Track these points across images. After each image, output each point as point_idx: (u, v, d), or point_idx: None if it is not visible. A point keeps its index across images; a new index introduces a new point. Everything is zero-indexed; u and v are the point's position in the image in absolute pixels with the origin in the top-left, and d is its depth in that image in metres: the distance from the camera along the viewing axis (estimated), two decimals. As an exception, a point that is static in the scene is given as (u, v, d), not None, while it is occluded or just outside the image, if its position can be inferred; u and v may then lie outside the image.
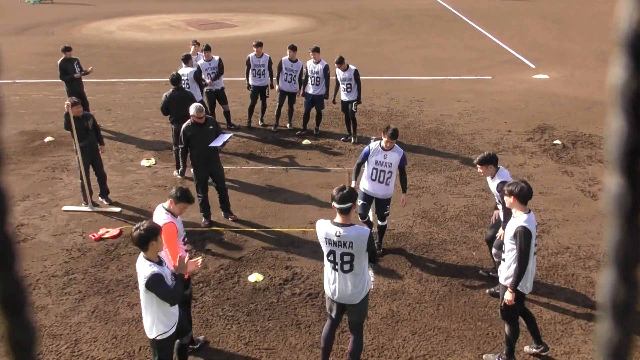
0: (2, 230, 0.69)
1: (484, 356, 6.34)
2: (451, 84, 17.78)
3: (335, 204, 5.44)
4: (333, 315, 5.89)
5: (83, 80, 13.56)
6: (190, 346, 6.22)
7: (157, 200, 10.13)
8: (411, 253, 8.45)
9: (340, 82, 12.55)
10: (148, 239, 5.03)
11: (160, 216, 6.02)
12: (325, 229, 5.48)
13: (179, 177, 10.85)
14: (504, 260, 6.01)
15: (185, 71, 12.25)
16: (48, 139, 13.13)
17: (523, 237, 5.70)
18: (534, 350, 6.33)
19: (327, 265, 5.64)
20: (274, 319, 6.99)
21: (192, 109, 9.08)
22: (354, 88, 12.48)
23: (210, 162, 9.12)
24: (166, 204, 6.15)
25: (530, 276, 5.94)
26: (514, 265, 5.80)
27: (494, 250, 7.35)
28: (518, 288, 5.86)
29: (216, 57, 13.34)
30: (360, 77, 12.55)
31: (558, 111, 14.91)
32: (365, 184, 8.15)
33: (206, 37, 25.09)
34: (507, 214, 6.22)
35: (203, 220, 9.28)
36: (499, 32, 26.44)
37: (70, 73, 13.17)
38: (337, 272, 5.56)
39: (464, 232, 9.00)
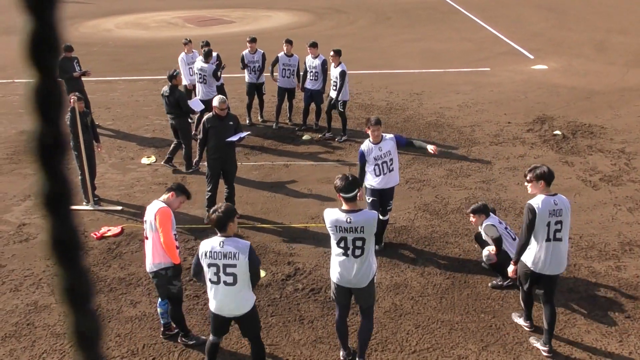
0: (68, 221, 0.68)
1: (512, 314, 6.81)
2: (450, 76, 17.75)
3: (341, 194, 5.62)
4: (342, 303, 5.99)
5: (83, 78, 13.54)
6: (166, 332, 6.55)
7: (158, 197, 10.13)
8: (413, 246, 8.45)
9: (330, 77, 12.43)
10: (227, 220, 5.34)
11: (156, 204, 6.15)
12: (335, 217, 5.60)
13: (166, 165, 11.29)
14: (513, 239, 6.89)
15: (204, 66, 12.44)
16: (48, 138, 13.10)
17: (526, 213, 6.03)
18: (522, 322, 6.66)
19: (337, 253, 5.72)
20: (277, 315, 7.00)
21: (215, 101, 9.09)
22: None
23: (225, 157, 9.11)
24: (163, 197, 6.22)
25: (542, 257, 6.04)
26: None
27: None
28: (528, 264, 6.12)
29: (215, 54, 13.32)
30: (359, 71, 12.52)
31: (557, 101, 14.89)
32: (371, 181, 8.10)
33: (204, 33, 25.04)
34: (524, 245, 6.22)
35: (207, 216, 9.27)
36: (497, 23, 26.38)
37: (69, 72, 13.15)
38: (347, 258, 5.67)
39: (466, 224, 9.00)
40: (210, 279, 5.42)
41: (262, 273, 7.77)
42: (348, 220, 5.54)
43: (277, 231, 8.99)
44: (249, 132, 10.46)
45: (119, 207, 9.88)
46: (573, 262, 7.92)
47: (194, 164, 10.30)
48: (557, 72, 17.90)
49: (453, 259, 8.10)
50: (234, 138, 9.03)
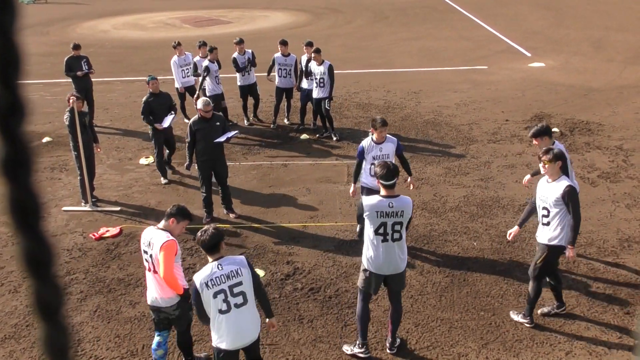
0: (27, 187, 0.67)
1: (510, 312, 6.81)
2: (447, 74, 17.76)
3: (381, 181, 5.83)
4: (373, 292, 6.16)
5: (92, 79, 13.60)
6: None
7: (156, 198, 10.15)
8: (412, 245, 8.44)
9: (313, 76, 12.35)
10: (218, 241, 5.08)
11: (160, 236, 5.59)
12: (377, 203, 5.81)
13: (163, 182, 10.73)
14: (545, 224, 6.42)
15: (211, 65, 12.63)
16: (46, 139, 13.10)
17: (574, 194, 6.18)
18: (555, 310, 6.78)
19: (375, 240, 5.87)
20: (276, 315, 6.96)
21: (199, 103, 9.07)
22: (327, 84, 12.26)
23: (214, 158, 9.10)
24: (162, 224, 5.70)
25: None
26: (561, 226, 6.26)
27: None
28: (559, 243, 6.32)
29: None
30: (357, 71, 12.51)
31: (555, 99, 14.90)
32: (366, 180, 8.12)
33: (201, 34, 25.04)
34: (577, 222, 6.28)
35: (205, 216, 9.28)
36: (494, 21, 26.39)
37: (75, 70, 13.19)
38: (386, 244, 5.85)
39: (464, 222, 9.00)
40: (219, 310, 5.01)
41: (261, 272, 7.77)
42: (390, 205, 5.78)
43: (275, 231, 8.98)
44: (237, 132, 10.44)
45: (118, 208, 9.87)
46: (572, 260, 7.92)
47: (185, 167, 9.68)
48: (554, 69, 17.91)
49: (452, 257, 8.10)
50: (222, 139, 9.02)
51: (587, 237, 8.45)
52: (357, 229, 8.32)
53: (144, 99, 10.60)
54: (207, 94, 12.26)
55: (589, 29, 23.92)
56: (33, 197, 0.68)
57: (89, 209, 9.79)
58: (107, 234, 8.97)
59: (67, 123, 9.57)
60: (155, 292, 5.74)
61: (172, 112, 10.65)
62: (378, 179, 5.93)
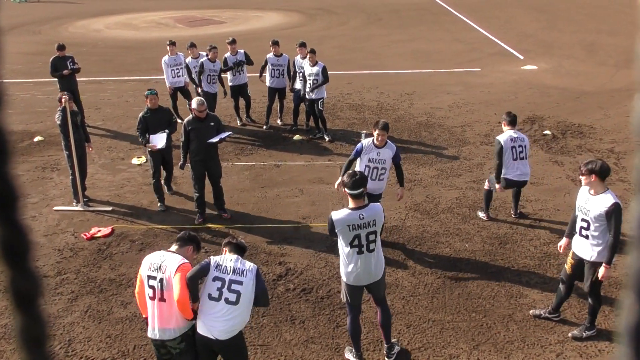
0: (2, 173, 0.65)
1: (570, 334, 6.49)
2: (440, 76, 17.80)
3: (347, 191, 5.70)
4: (357, 304, 6.05)
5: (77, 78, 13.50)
6: None
7: (148, 198, 10.10)
8: (404, 246, 8.46)
9: (307, 77, 12.37)
10: (244, 253, 5.38)
11: (175, 258, 5.22)
12: (347, 217, 5.66)
13: (159, 207, 9.75)
14: (586, 237, 6.15)
15: (210, 65, 12.77)
16: (37, 138, 13.04)
17: (619, 213, 5.89)
18: (547, 315, 6.78)
19: (350, 253, 5.73)
20: (268, 315, 6.98)
21: (194, 103, 9.04)
22: (320, 84, 12.29)
23: (208, 158, 9.08)
24: (174, 248, 5.38)
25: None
26: (604, 243, 6.01)
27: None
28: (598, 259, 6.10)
29: (203, 54, 13.32)
30: (350, 72, 12.53)
31: (547, 102, 14.96)
32: None
33: (194, 34, 25.00)
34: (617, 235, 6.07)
35: (197, 217, 9.25)
36: (487, 24, 26.48)
37: (60, 70, 13.11)
38: (363, 255, 5.72)
39: (456, 224, 9.02)
40: (209, 295, 5.05)
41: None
42: (361, 216, 5.64)
43: (268, 231, 8.97)
44: (230, 132, 10.39)
45: (109, 208, 9.83)
46: (562, 262, 7.94)
47: (179, 166, 9.35)
48: (547, 72, 17.99)
49: (444, 259, 8.11)
50: (215, 139, 9.00)
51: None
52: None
53: (140, 114, 9.56)
54: (205, 90, 12.64)
55: (581, 32, 24.04)
56: (8, 185, 0.66)
57: (81, 209, 9.75)
58: (99, 234, 8.93)
59: (58, 122, 9.52)
60: (160, 323, 5.19)
61: (167, 130, 9.54)
62: (344, 188, 5.79)
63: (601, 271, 6.07)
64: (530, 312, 6.85)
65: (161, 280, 5.14)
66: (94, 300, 7.34)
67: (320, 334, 6.62)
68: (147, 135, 9.45)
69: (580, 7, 30.12)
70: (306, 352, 6.37)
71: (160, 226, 9.19)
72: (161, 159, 9.75)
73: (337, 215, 5.71)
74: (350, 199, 5.74)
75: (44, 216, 9.61)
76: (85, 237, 8.86)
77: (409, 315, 6.94)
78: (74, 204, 9.86)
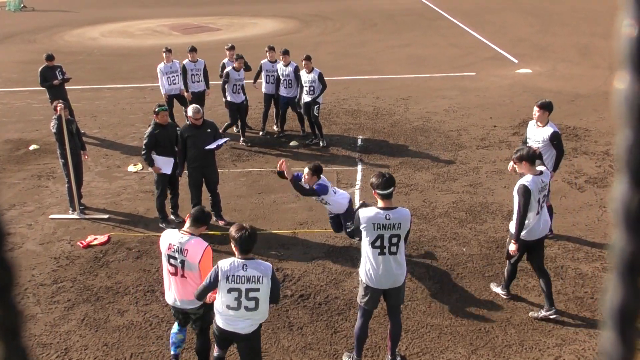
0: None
1: (490, 284, 7.34)
2: (436, 81, 17.84)
3: (377, 191, 5.70)
4: (373, 308, 6.05)
5: (66, 87, 13.45)
6: None
7: (144, 205, 10.08)
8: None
9: (303, 84, 12.39)
10: (254, 244, 5.25)
11: (199, 243, 5.59)
12: (373, 215, 5.67)
13: (162, 226, 9.26)
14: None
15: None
16: (33, 147, 13.02)
17: (522, 194, 6.46)
18: (543, 313, 6.79)
19: (372, 253, 5.74)
20: (265, 322, 6.95)
21: (190, 111, 9.04)
22: (317, 90, 12.31)
23: (205, 165, 9.07)
24: (190, 228, 5.68)
25: (534, 227, 6.65)
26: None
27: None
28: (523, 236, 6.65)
29: (202, 60, 13.33)
30: (346, 77, 12.54)
31: (543, 105, 14.99)
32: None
33: (190, 41, 24.98)
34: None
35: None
36: (482, 28, 26.57)
37: (50, 80, 13.07)
38: (383, 257, 5.72)
39: (454, 228, 9.03)
40: (228, 305, 5.14)
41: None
42: (387, 217, 5.63)
43: (265, 238, 8.95)
44: (227, 139, 10.39)
45: (106, 216, 9.81)
46: (560, 264, 7.97)
47: (176, 173, 9.25)
48: (542, 76, 18.04)
49: (441, 263, 8.11)
50: (212, 146, 8.99)
51: (574, 242, 8.49)
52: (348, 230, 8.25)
53: (148, 130, 9.08)
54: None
55: (575, 35, 24.14)
56: (18, 315, 0.67)
57: (77, 217, 9.72)
58: (95, 242, 8.91)
59: (54, 130, 9.51)
60: (181, 296, 5.72)
61: (172, 159, 9.11)
62: (374, 189, 5.77)
63: (510, 246, 6.76)
64: (530, 314, 6.87)
65: (182, 262, 5.55)
66: (90, 309, 7.31)
67: (318, 340, 6.61)
68: (152, 154, 9.02)
69: (574, 11, 30.25)
70: (304, 358, 6.35)
71: (157, 234, 9.15)
72: (168, 179, 9.30)
73: (363, 211, 5.78)
74: (379, 200, 5.77)
75: (40, 224, 9.58)
76: (81, 245, 8.83)
77: (407, 320, 6.92)
78: (70, 212, 9.84)
